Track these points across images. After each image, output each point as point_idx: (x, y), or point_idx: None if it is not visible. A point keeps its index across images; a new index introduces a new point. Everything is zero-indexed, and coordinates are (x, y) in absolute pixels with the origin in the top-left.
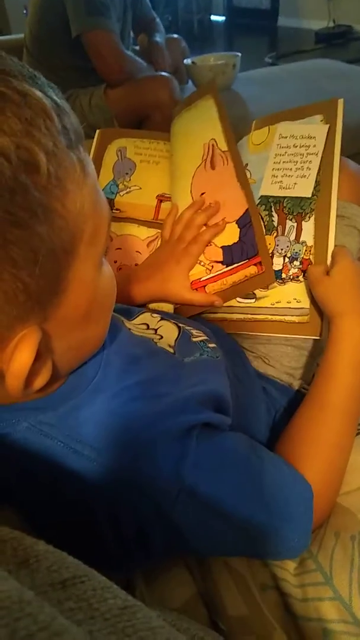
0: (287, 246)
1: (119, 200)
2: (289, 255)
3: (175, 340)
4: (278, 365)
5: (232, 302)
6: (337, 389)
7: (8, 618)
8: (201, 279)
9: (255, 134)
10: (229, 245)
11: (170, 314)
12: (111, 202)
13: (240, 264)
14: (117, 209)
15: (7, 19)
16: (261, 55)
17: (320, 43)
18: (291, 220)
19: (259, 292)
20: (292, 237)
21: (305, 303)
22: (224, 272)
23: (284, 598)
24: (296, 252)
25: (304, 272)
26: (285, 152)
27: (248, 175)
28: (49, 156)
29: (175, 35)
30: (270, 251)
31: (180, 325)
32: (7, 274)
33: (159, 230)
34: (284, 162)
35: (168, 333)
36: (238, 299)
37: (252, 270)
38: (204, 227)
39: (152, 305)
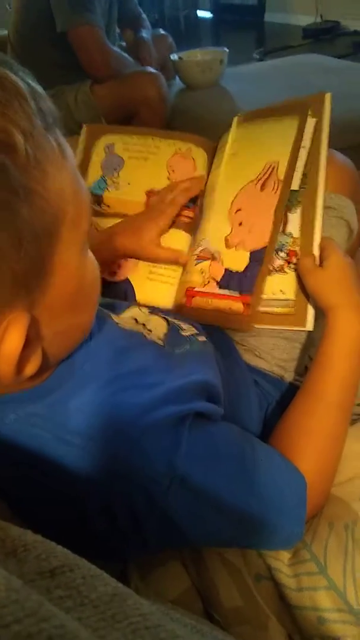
0: None
1: (107, 196)
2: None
3: (165, 334)
4: (269, 357)
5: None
6: (332, 380)
7: None
8: (195, 289)
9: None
10: (231, 271)
11: (159, 309)
12: (100, 198)
13: (231, 294)
14: (106, 205)
15: None
16: (248, 51)
17: (308, 39)
18: None
19: None
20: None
21: (291, 294)
22: (214, 293)
23: (278, 588)
24: (282, 244)
25: (289, 263)
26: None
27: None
28: (26, 137)
29: (162, 31)
30: None
31: (169, 319)
32: None
33: None
34: None
35: (157, 327)
36: (225, 291)
37: (237, 306)
38: (207, 241)
39: (142, 301)
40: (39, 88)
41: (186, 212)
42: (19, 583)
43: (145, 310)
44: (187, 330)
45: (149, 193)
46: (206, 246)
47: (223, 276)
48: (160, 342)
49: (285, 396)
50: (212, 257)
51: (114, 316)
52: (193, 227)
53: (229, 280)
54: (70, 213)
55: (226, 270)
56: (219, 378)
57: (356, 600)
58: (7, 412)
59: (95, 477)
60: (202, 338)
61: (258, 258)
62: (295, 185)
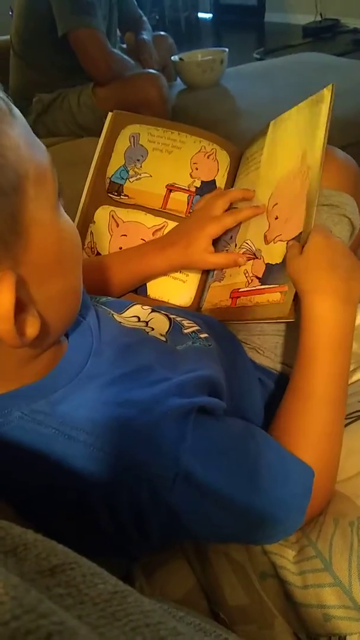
0: None
1: (128, 186)
2: None
3: (167, 331)
4: (273, 355)
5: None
6: (318, 376)
7: None
8: (240, 289)
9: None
10: (271, 264)
11: (162, 306)
12: (120, 188)
13: (270, 286)
14: (125, 195)
15: None
16: (249, 51)
17: (308, 37)
18: None
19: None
20: None
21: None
22: (256, 289)
23: (284, 586)
24: None
25: None
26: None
27: None
28: None
29: (163, 33)
30: None
31: (172, 317)
32: None
33: (166, 220)
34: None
35: (159, 325)
36: (266, 285)
37: (275, 296)
38: (250, 245)
39: (153, 296)
40: None
41: None
42: (17, 580)
43: (147, 308)
44: (189, 327)
45: (170, 187)
46: (249, 247)
47: (264, 272)
48: (163, 339)
49: None
50: (255, 256)
51: (116, 315)
52: None
53: (270, 273)
54: (32, 170)
55: (267, 265)
56: (222, 374)
57: None
58: (12, 410)
59: (99, 473)
60: (204, 335)
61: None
62: None
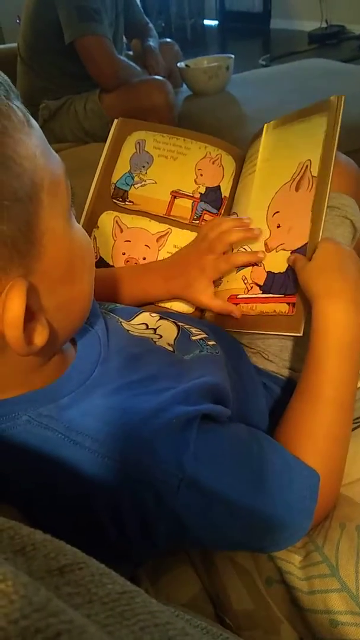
0: None
1: (133, 192)
2: None
3: (175, 339)
4: (277, 360)
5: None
6: (327, 379)
7: (2, 600)
8: (238, 296)
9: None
10: (274, 273)
11: (170, 313)
12: (125, 194)
13: (275, 296)
14: (130, 201)
15: (1, 29)
16: (255, 58)
17: (314, 44)
18: None
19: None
20: None
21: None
22: (258, 297)
23: (290, 591)
24: None
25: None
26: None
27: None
28: None
29: (169, 40)
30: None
31: (180, 324)
32: None
33: (170, 226)
34: None
35: (167, 332)
36: (269, 294)
37: (283, 307)
38: (246, 249)
39: (167, 305)
40: None
41: (208, 218)
42: (27, 579)
43: (155, 315)
44: (197, 334)
45: (174, 193)
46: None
47: (265, 280)
48: (170, 348)
49: None
50: (254, 263)
51: (124, 323)
52: None
53: (272, 282)
54: (47, 179)
55: (268, 273)
56: (227, 381)
57: None
58: (19, 413)
59: (104, 479)
60: (211, 342)
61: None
62: None
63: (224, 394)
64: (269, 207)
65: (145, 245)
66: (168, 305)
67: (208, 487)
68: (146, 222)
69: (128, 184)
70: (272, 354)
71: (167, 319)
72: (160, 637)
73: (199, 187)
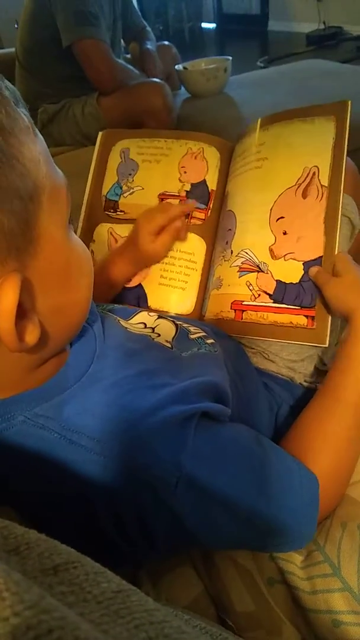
0: None
1: (123, 202)
2: None
3: (173, 337)
4: (278, 359)
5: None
6: (352, 383)
7: None
8: (243, 302)
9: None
10: (284, 282)
11: (168, 314)
12: (116, 205)
13: (290, 307)
14: (121, 211)
15: None
16: (253, 60)
17: (312, 45)
18: None
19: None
20: None
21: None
22: (269, 306)
23: (292, 591)
24: None
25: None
26: None
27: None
28: None
29: (166, 43)
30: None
31: (178, 323)
32: None
33: None
34: None
35: (165, 331)
36: (282, 304)
37: (300, 320)
38: (248, 253)
39: (154, 306)
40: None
41: (197, 214)
42: (19, 576)
43: (154, 314)
44: (196, 333)
45: (161, 196)
46: (249, 257)
47: (275, 289)
48: (168, 345)
49: (295, 398)
50: (259, 269)
51: (122, 321)
52: (205, 230)
53: (284, 292)
54: (48, 187)
55: (278, 281)
56: (227, 380)
57: None
58: (15, 414)
59: (101, 478)
60: (210, 340)
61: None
62: None
63: (222, 393)
64: (271, 210)
65: None
66: (166, 308)
67: (206, 486)
68: None
69: (117, 194)
70: (272, 354)
71: (166, 318)
72: (156, 634)
73: (184, 184)
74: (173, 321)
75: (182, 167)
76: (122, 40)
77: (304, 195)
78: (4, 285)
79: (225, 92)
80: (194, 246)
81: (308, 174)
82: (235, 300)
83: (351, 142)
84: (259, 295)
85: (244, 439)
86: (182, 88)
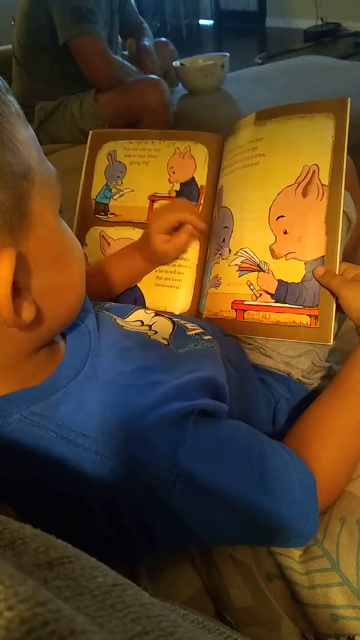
0: None
1: (113, 204)
2: None
3: (170, 334)
4: (275, 355)
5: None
6: None
7: None
8: (244, 302)
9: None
10: (286, 282)
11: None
12: (106, 207)
13: (292, 306)
14: (112, 214)
15: None
16: (251, 56)
17: (309, 41)
18: None
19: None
20: None
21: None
22: (270, 306)
23: (290, 586)
24: None
25: None
26: None
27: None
28: None
29: (164, 39)
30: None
31: (175, 320)
32: None
33: None
34: None
35: (162, 328)
36: (285, 304)
37: (303, 319)
38: (247, 252)
39: (152, 306)
40: None
41: None
42: (13, 570)
43: (150, 312)
44: (193, 329)
45: (152, 197)
46: (249, 256)
47: (277, 288)
48: (165, 342)
49: (293, 393)
50: (259, 268)
51: (119, 320)
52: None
53: (286, 292)
54: (40, 170)
55: (279, 281)
56: (224, 375)
57: None
58: (11, 412)
59: (99, 477)
60: (207, 337)
61: (313, 269)
62: None
63: (219, 388)
64: (270, 209)
65: None
66: (163, 307)
67: (205, 482)
68: (130, 231)
69: (107, 197)
70: (269, 349)
71: (162, 316)
72: (152, 628)
73: (174, 185)
74: (170, 318)
75: (171, 167)
76: (119, 37)
77: (304, 194)
78: (0, 256)
79: (222, 89)
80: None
81: (308, 173)
82: (235, 300)
83: (350, 138)
84: (260, 294)
85: (241, 434)
86: (180, 84)
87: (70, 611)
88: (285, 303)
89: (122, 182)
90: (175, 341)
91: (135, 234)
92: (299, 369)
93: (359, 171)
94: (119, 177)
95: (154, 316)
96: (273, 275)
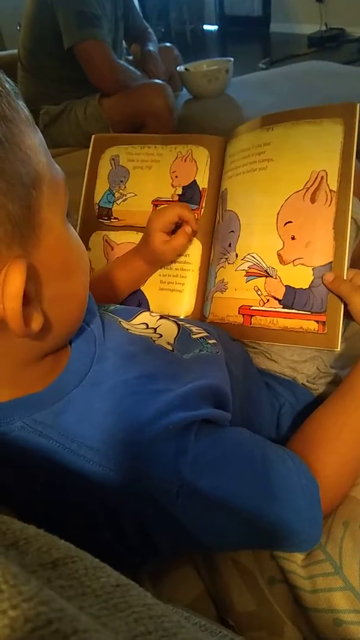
0: None
1: (116, 209)
2: None
3: (175, 337)
4: (280, 359)
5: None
6: None
7: None
8: (251, 307)
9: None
10: (294, 288)
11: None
12: (109, 212)
13: (300, 312)
14: (115, 218)
15: (1, 35)
16: (255, 62)
17: (313, 47)
18: None
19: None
20: None
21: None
22: (278, 312)
23: (293, 591)
24: None
25: None
26: None
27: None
28: (0, 96)
29: (168, 44)
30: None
31: (180, 323)
32: None
33: None
34: None
35: (167, 331)
36: (292, 310)
37: (311, 325)
38: (254, 257)
39: (156, 310)
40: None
41: None
42: (17, 569)
43: (156, 315)
44: (198, 333)
45: (155, 202)
46: (256, 262)
47: (285, 294)
48: (170, 347)
49: (298, 398)
50: (267, 274)
51: (123, 322)
52: (199, 230)
53: (294, 298)
54: (48, 177)
55: (287, 287)
56: (227, 382)
57: None
58: (14, 419)
59: (101, 487)
60: (212, 341)
61: (323, 274)
62: None
63: (223, 395)
64: (278, 214)
65: None
66: (166, 311)
67: (208, 493)
68: (133, 235)
69: (110, 202)
70: (275, 353)
71: (167, 319)
72: (155, 628)
73: (176, 189)
74: (175, 321)
75: (174, 171)
76: (124, 42)
77: (312, 200)
78: (11, 268)
79: (226, 94)
80: (189, 247)
81: (316, 178)
82: (243, 305)
83: (359, 143)
84: (268, 300)
85: (244, 442)
86: (184, 89)
87: (73, 610)
88: (292, 309)
89: (125, 187)
90: (179, 345)
91: (139, 238)
92: (304, 374)
93: None
94: (122, 181)
95: (159, 319)
96: (281, 280)
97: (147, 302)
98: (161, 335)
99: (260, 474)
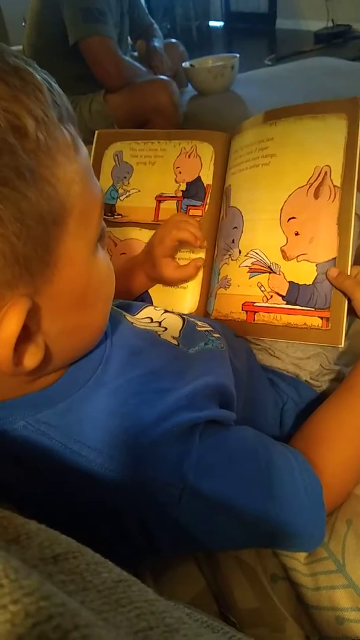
0: None
1: (119, 205)
2: None
3: (180, 330)
4: (283, 356)
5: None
6: None
7: None
8: (255, 304)
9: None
10: (297, 284)
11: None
12: (112, 208)
13: (303, 308)
14: (118, 214)
15: (6, 31)
16: (261, 58)
17: (320, 43)
18: None
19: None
20: None
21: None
22: (282, 308)
23: (295, 588)
24: None
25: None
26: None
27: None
28: (38, 124)
29: (174, 40)
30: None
31: (185, 316)
32: None
33: None
34: None
35: (172, 324)
36: (296, 306)
37: (315, 321)
38: (258, 254)
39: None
40: (57, 88)
41: (194, 212)
42: (18, 563)
43: (160, 309)
44: (203, 326)
45: (159, 197)
46: (259, 258)
47: (288, 290)
48: (175, 341)
49: (301, 394)
50: (270, 270)
51: (128, 316)
52: (203, 227)
53: (297, 294)
54: (79, 207)
55: (291, 283)
56: (231, 378)
57: None
58: (16, 418)
59: (104, 489)
60: (216, 334)
61: (327, 270)
62: None
63: (228, 394)
64: (281, 210)
65: None
66: (170, 308)
67: (211, 495)
68: (137, 231)
69: (113, 198)
70: (278, 350)
71: (172, 312)
72: (157, 624)
73: (180, 185)
74: (180, 315)
75: (177, 167)
76: (129, 38)
77: (316, 195)
78: (8, 312)
79: (232, 90)
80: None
81: (320, 174)
82: (246, 302)
83: None
84: (271, 296)
85: (248, 442)
86: (189, 86)
87: (74, 605)
88: (296, 305)
89: (128, 183)
90: (184, 339)
91: (142, 234)
92: (307, 371)
93: None
94: (125, 177)
95: (163, 313)
96: (284, 276)
97: (150, 299)
98: (166, 329)
99: (264, 474)
